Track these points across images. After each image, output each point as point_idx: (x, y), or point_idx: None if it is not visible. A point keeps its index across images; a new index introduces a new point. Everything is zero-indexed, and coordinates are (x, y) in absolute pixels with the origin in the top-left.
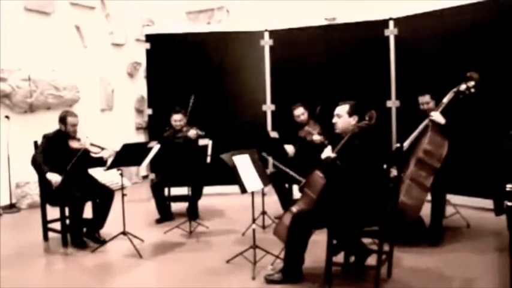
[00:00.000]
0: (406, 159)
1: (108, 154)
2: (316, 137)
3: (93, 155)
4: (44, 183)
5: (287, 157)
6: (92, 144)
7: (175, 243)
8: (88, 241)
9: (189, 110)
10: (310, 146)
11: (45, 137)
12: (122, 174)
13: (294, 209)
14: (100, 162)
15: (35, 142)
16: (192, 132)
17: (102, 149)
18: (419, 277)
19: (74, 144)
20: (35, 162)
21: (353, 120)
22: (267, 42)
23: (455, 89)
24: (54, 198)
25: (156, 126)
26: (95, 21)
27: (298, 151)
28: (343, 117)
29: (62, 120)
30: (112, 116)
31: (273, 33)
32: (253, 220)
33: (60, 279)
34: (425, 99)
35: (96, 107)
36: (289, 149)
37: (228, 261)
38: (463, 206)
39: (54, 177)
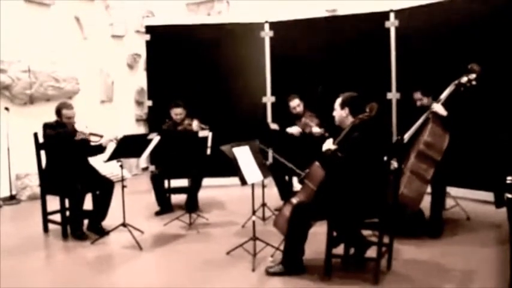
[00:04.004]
0: (407, 152)
1: (106, 141)
2: (316, 130)
3: (92, 143)
4: (44, 173)
5: (292, 142)
6: (90, 133)
7: (175, 235)
8: (88, 233)
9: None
10: (310, 138)
11: (46, 125)
12: (121, 166)
13: (294, 200)
14: (99, 149)
15: (35, 134)
16: (195, 125)
17: (101, 136)
18: (419, 269)
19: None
20: (52, 136)
21: (344, 112)
22: (267, 33)
23: (456, 82)
24: (55, 188)
25: (156, 118)
26: (95, 13)
27: (298, 143)
28: (337, 110)
29: (58, 112)
30: (112, 107)
31: (274, 25)
32: (253, 212)
33: (60, 271)
34: (417, 96)
35: (95, 98)
36: (294, 130)
37: (228, 253)
38: (463, 199)
39: (81, 127)
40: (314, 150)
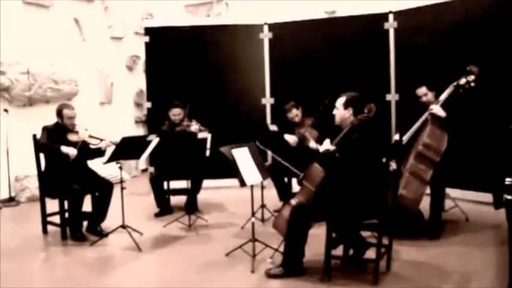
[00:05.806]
0: (406, 153)
1: (106, 144)
2: (312, 145)
3: (92, 146)
4: (43, 175)
5: (288, 148)
6: (90, 136)
7: (174, 236)
8: (88, 234)
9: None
10: (306, 149)
11: (45, 129)
12: (121, 168)
13: (293, 201)
14: (98, 152)
15: (34, 135)
16: (195, 127)
17: (101, 140)
18: (418, 270)
19: (72, 137)
20: (43, 146)
21: (348, 112)
22: (266, 35)
23: (455, 83)
24: (54, 191)
25: (155, 120)
26: (94, 15)
27: (296, 149)
28: (339, 110)
29: (59, 113)
30: (111, 109)
31: (272, 27)
32: (253, 213)
33: (60, 272)
34: (422, 91)
35: (95, 100)
36: (291, 138)
37: (227, 255)
38: (462, 200)
39: (70, 150)
40: (310, 157)
